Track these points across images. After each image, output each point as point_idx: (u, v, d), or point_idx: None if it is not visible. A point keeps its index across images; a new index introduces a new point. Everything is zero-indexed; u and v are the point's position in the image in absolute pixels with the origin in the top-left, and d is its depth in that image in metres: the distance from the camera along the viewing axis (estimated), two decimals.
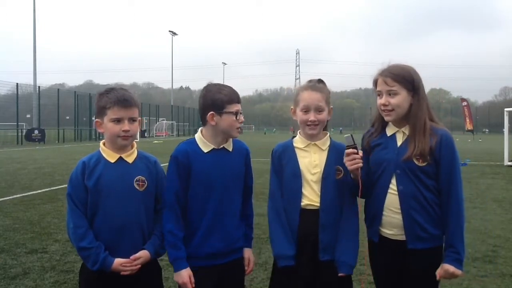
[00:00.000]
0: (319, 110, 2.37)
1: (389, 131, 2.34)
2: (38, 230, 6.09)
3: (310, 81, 2.47)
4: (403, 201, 2.22)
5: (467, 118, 40.40)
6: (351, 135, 2.24)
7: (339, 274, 2.30)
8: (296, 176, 2.36)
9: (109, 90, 2.29)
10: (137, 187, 2.27)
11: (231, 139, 2.40)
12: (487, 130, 78.68)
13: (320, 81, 2.47)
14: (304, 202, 2.36)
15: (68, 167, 14.70)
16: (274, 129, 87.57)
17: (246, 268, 2.48)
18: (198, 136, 2.37)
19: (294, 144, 2.46)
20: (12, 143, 30.81)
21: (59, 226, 6.29)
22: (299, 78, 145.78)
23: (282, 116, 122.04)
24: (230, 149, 2.39)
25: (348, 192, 2.34)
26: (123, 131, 2.23)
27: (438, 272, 2.20)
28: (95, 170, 2.23)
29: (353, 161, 2.19)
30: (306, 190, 2.36)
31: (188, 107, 76.15)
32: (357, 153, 2.20)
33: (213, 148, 2.34)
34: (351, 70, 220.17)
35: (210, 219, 2.31)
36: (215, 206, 2.32)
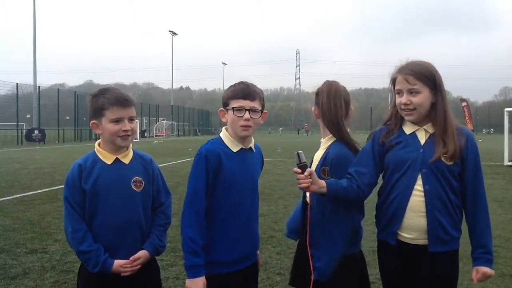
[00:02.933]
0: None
1: (407, 129, 2.25)
2: (38, 230, 6.09)
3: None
4: (429, 202, 2.13)
5: (467, 118, 40.38)
6: (301, 152, 2.15)
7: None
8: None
9: (104, 91, 2.24)
10: (134, 188, 2.26)
11: (252, 139, 2.33)
12: (492, 130, 78.33)
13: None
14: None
15: (68, 167, 14.62)
16: (281, 129, 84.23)
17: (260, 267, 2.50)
18: (224, 135, 2.27)
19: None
20: (12, 143, 30.80)
21: (59, 226, 6.28)
22: (299, 78, 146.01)
23: (282, 115, 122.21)
24: (254, 150, 2.35)
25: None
26: (123, 130, 2.19)
27: (475, 277, 2.16)
28: (92, 173, 2.21)
29: (299, 181, 2.13)
30: None
31: (188, 107, 76.16)
32: (302, 173, 2.12)
33: (242, 148, 2.26)
34: (351, 70, 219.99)
35: (241, 222, 2.24)
36: (247, 208, 2.26)
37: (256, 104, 2.21)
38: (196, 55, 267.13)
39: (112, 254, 2.20)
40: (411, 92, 2.16)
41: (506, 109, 17.33)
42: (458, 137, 2.16)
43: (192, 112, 71.57)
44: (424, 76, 2.16)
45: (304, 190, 2.20)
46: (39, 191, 9.49)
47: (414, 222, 2.16)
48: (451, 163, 2.14)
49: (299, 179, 2.13)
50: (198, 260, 2.12)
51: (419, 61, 2.24)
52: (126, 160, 2.28)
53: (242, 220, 2.25)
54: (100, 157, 2.26)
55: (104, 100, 2.19)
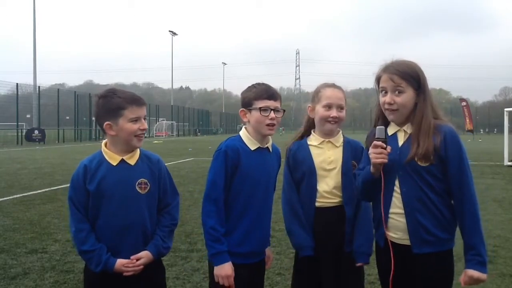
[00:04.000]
0: (341, 107, 2.48)
1: (390, 130, 2.22)
2: (38, 230, 6.09)
3: (329, 82, 2.59)
4: (406, 204, 2.12)
5: (467, 118, 40.38)
6: (385, 128, 2.16)
7: (357, 264, 2.37)
8: (312, 173, 2.45)
9: (114, 91, 2.24)
10: (139, 190, 2.24)
11: (270, 139, 2.43)
12: (495, 130, 77.97)
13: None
14: (319, 200, 2.45)
15: (68, 167, 14.67)
16: (281, 129, 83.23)
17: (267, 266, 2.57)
18: (244, 134, 2.38)
19: (308, 142, 2.54)
20: (12, 143, 30.78)
21: (59, 226, 6.29)
22: (299, 78, 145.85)
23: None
24: (271, 150, 2.43)
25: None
26: (140, 129, 2.21)
27: (462, 279, 2.08)
28: (97, 173, 2.21)
29: (379, 155, 2.09)
30: (320, 187, 2.45)
31: (188, 107, 76.19)
32: (385, 148, 2.10)
33: (259, 147, 2.36)
34: (351, 70, 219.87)
35: (252, 218, 2.34)
36: (258, 205, 2.36)
37: (278, 104, 2.35)
38: (196, 55, 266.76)
39: (115, 254, 2.20)
40: (395, 91, 2.13)
41: (506, 109, 17.33)
42: (434, 136, 2.09)
43: (192, 112, 71.52)
44: (409, 75, 2.13)
45: (379, 165, 2.13)
46: (39, 191, 9.48)
47: (397, 223, 2.16)
48: (427, 164, 2.09)
49: (380, 153, 2.09)
50: (222, 247, 2.24)
51: (404, 60, 2.21)
52: (132, 161, 2.27)
53: (254, 216, 2.35)
54: (106, 157, 2.25)
55: (120, 100, 2.18)
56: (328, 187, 2.44)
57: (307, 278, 2.49)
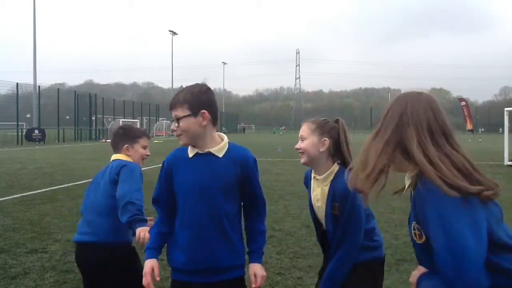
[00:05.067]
0: (301, 139, 2.39)
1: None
2: (38, 230, 6.09)
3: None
4: None
5: (466, 118, 40.36)
6: None
7: None
8: (310, 206, 2.49)
9: (130, 126, 3.11)
10: None
11: (226, 144, 2.18)
12: (500, 129, 77.62)
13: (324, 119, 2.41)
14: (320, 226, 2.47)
15: (68, 167, 14.67)
16: (282, 128, 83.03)
17: (253, 284, 2.17)
18: None
19: (312, 173, 2.46)
20: (12, 143, 30.78)
21: (59, 226, 6.29)
22: (299, 77, 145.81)
23: (282, 115, 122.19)
24: (220, 155, 2.14)
25: (347, 229, 2.19)
26: (147, 155, 3.02)
27: None
28: None
29: None
30: (319, 218, 2.46)
31: None
32: None
33: (197, 152, 2.15)
34: (351, 70, 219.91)
35: (191, 231, 2.12)
36: (196, 216, 2.11)
37: (178, 112, 2.12)
38: (196, 55, 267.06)
39: None
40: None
41: (506, 109, 17.31)
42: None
43: None
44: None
45: None
46: (39, 191, 9.48)
47: None
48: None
49: None
50: (149, 244, 2.21)
51: None
52: None
53: (193, 229, 2.13)
54: None
55: (139, 132, 3.02)
56: (322, 222, 2.43)
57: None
